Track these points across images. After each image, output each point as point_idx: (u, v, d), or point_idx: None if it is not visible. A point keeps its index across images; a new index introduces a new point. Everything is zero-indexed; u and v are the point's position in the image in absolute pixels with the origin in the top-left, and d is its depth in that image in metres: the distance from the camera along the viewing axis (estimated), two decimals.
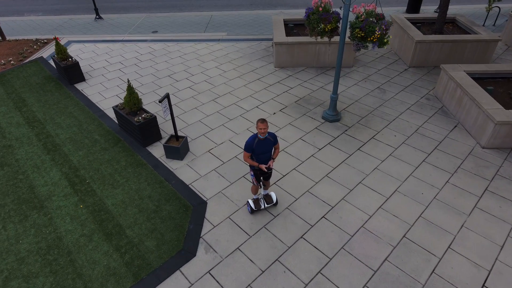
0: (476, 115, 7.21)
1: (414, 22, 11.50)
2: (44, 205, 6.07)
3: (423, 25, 11.35)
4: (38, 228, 5.64)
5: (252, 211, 5.79)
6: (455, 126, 7.74)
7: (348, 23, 6.66)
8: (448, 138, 7.37)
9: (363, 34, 6.34)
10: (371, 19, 6.29)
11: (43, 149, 7.39)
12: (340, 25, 6.95)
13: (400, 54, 11.03)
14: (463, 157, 6.85)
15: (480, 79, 8.34)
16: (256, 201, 5.84)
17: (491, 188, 6.14)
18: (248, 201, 5.82)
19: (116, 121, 8.19)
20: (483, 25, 13.28)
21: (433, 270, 4.86)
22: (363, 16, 6.40)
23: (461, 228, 5.45)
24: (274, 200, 5.86)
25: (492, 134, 6.81)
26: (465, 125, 7.66)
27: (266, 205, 5.83)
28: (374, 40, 6.34)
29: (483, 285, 4.67)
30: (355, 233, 5.42)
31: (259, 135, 4.92)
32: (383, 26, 6.27)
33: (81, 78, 10.07)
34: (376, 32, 6.21)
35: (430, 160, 6.79)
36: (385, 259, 5.03)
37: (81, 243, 5.37)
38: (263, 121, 4.83)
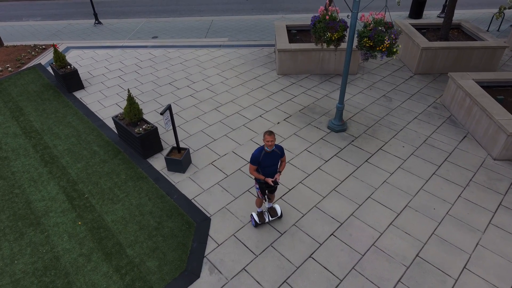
0: (487, 126, 7.01)
1: (418, 28, 11.31)
2: (41, 221, 5.83)
3: (428, 31, 11.17)
4: (35, 247, 5.40)
5: (256, 225, 5.57)
6: (465, 137, 7.53)
7: (356, 32, 6.45)
8: (458, 149, 7.16)
9: (371, 44, 6.15)
10: (380, 28, 6.09)
11: (40, 161, 7.15)
12: (347, 34, 6.74)
13: (405, 61, 10.84)
14: (474, 170, 6.63)
15: (489, 87, 8.14)
16: (260, 215, 5.62)
17: (506, 203, 5.92)
18: (252, 215, 5.60)
19: (116, 131, 7.96)
20: (487, 31, 13.13)
21: None
22: (371, 25, 6.20)
23: (476, 246, 5.23)
24: (279, 213, 5.65)
25: (504, 146, 6.60)
26: (475, 136, 7.45)
27: (270, 219, 5.61)
28: (383, 49, 6.14)
29: None
30: (366, 252, 5.19)
31: (266, 148, 4.72)
32: (392, 35, 6.07)
33: (80, 86, 9.84)
34: (386, 41, 6.01)
35: (440, 173, 6.57)
36: (399, 280, 4.80)
37: (80, 264, 5.12)
38: (270, 133, 4.63)
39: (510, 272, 4.86)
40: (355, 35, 6.52)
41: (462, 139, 7.45)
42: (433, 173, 6.58)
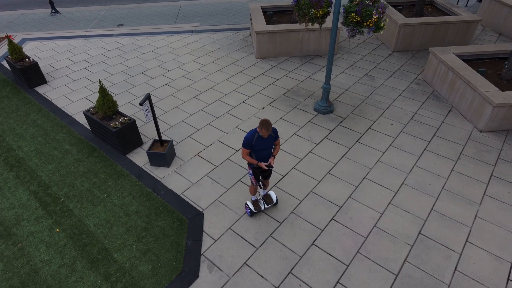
0: (472, 99, 7.04)
1: (394, 5, 11.25)
2: (12, 232, 5.21)
3: (402, 7, 11.13)
4: (8, 261, 4.81)
5: (252, 214, 5.27)
6: (450, 111, 7.55)
7: (342, 7, 6.16)
8: (445, 124, 7.16)
9: (359, 19, 5.89)
10: (367, 1, 5.84)
11: (5, 166, 6.41)
12: (332, 10, 6.44)
13: (382, 39, 10.76)
14: (463, 143, 6.65)
15: (469, 60, 8.20)
16: (255, 203, 5.33)
17: (497, 174, 5.97)
18: (246, 204, 5.29)
19: (89, 127, 7.30)
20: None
21: (456, 267, 4.59)
22: None
23: (475, 218, 5.22)
24: (274, 200, 5.37)
25: (490, 118, 6.66)
26: (459, 109, 7.49)
27: (266, 206, 5.33)
28: (371, 24, 5.91)
29: (508, 278, 4.45)
30: (369, 234, 5.04)
31: (259, 132, 4.39)
32: (379, 9, 5.85)
33: (42, 80, 8.96)
34: (373, 16, 5.78)
35: (431, 148, 6.54)
36: (405, 260, 4.70)
37: (62, 275, 4.61)
38: (268, 126, 4.25)
39: (510, 241, 4.89)
40: (341, 11, 6.22)
41: (447, 114, 7.47)
42: (424, 149, 6.53)
